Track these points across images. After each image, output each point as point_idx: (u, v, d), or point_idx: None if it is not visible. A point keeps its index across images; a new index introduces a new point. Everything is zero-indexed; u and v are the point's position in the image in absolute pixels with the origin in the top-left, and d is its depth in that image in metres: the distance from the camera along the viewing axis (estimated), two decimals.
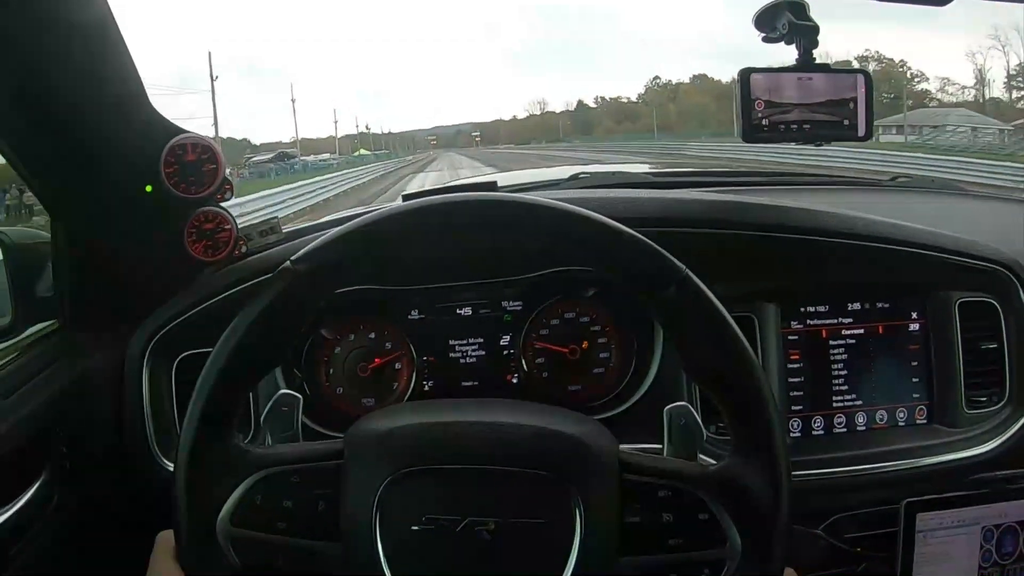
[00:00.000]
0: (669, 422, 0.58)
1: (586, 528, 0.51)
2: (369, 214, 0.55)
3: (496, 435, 0.54)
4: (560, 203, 0.54)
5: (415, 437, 0.55)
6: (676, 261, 0.52)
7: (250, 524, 0.54)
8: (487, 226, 0.55)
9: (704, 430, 0.59)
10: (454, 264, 0.89)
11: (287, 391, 0.62)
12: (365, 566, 0.52)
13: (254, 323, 0.53)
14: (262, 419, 0.61)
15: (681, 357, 0.55)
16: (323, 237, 0.54)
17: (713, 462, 0.55)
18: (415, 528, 0.52)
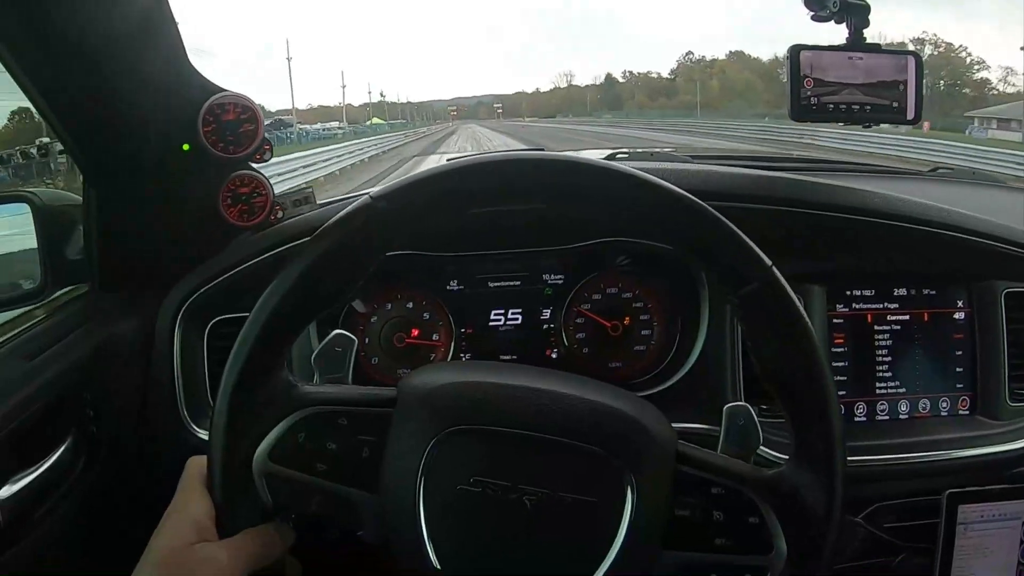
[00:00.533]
0: (727, 420, 0.57)
1: (636, 514, 0.49)
2: (453, 162, 0.53)
3: (556, 404, 0.52)
4: (665, 183, 0.52)
5: (472, 395, 0.53)
6: (763, 256, 0.51)
7: (289, 462, 0.52)
8: (576, 192, 0.53)
9: (762, 435, 0.56)
10: (492, 233, 0.88)
11: (342, 332, 0.60)
12: (401, 520, 0.50)
13: (326, 252, 0.51)
14: (313, 358, 0.59)
15: (754, 355, 0.53)
16: (408, 176, 0.52)
17: (773, 461, 0.54)
18: (460, 488, 0.50)
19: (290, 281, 0.51)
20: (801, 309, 0.51)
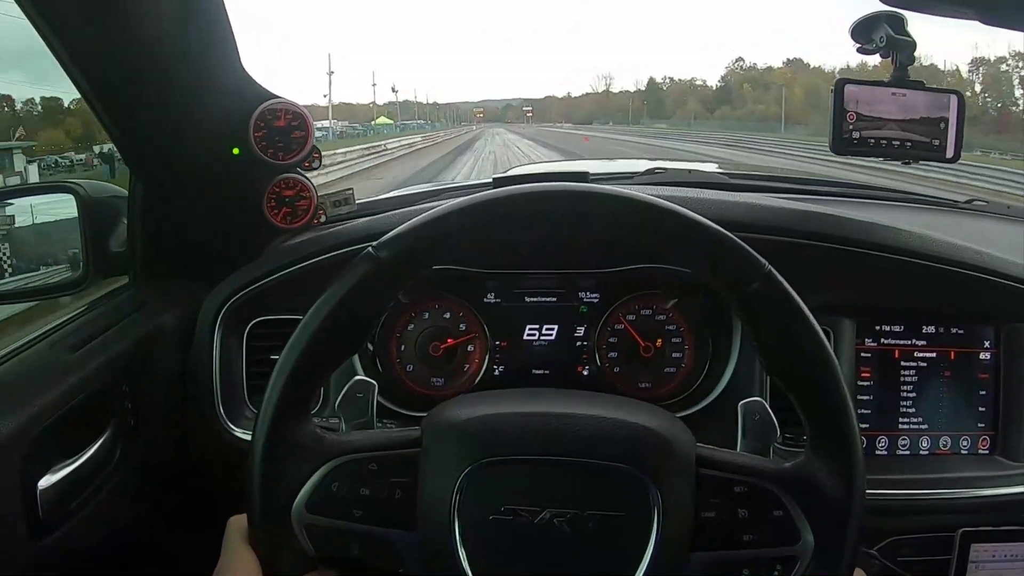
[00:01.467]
0: (744, 417, 0.58)
1: (663, 523, 0.51)
2: (455, 201, 0.54)
3: (576, 427, 0.53)
4: (647, 196, 0.53)
5: (495, 427, 0.54)
6: (760, 257, 0.52)
7: (325, 511, 0.53)
8: (572, 217, 0.54)
9: (778, 427, 0.58)
10: (533, 251, 0.89)
11: (362, 378, 0.62)
12: (442, 555, 0.52)
13: (335, 308, 0.52)
14: (337, 405, 0.61)
15: (760, 355, 0.55)
16: (407, 224, 0.53)
17: (785, 460, 0.55)
18: (493, 518, 0.52)
19: (304, 340, 0.52)
20: (802, 303, 0.52)
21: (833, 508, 0.51)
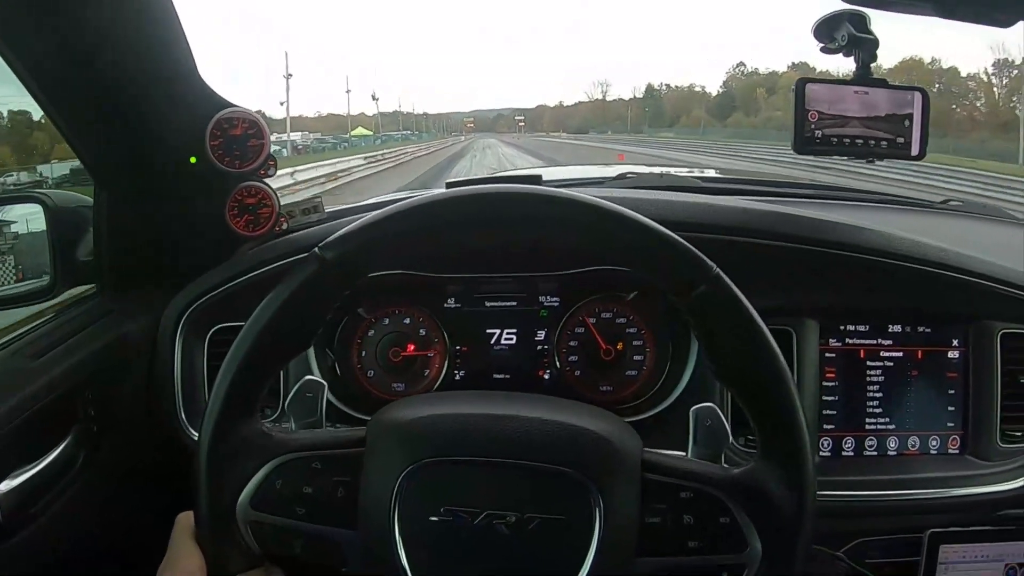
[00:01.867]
0: (695, 422, 0.58)
1: (605, 526, 0.51)
2: (400, 202, 0.54)
3: (518, 429, 0.54)
4: (590, 197, 0.53)
5: (435, 428, 0.54)
6: (707, 260, 0.52)
7: (269, 508, 0.54)
8: (514, 220, 0.54)
9: (729, 433, 0.58)
10: (492, 255, 0.89)
11: (312, 378, 0.62)
12: (383, 555, 0.52)
13: (280, 308, 0.53)
14: (286, 404, 0.61)
15: (708, 358, 0.54)
16: (352, 224, 0.54)
17: (734, 467, 0.55)
18: (433, 519, 0.52)
19: (250, 339, 0.53)
20: (750, 307, 0.51)
21: (781, 516, 0.51)
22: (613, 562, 0.51)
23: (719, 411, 0.58)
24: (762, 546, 0.51)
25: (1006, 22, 0.80)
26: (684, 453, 0.58)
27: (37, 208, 0.86)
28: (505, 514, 0.51)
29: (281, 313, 0.53)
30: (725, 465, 0.56)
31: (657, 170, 1.26)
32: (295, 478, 0.54)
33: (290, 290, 0.53)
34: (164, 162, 0.83)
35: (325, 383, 0.62)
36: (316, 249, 0.53)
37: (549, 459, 0.52)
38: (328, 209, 0.98)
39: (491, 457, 0.53)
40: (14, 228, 0.92)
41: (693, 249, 0.52)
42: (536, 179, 0.92)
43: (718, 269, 0.52)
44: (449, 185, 0.75)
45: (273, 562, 0.57)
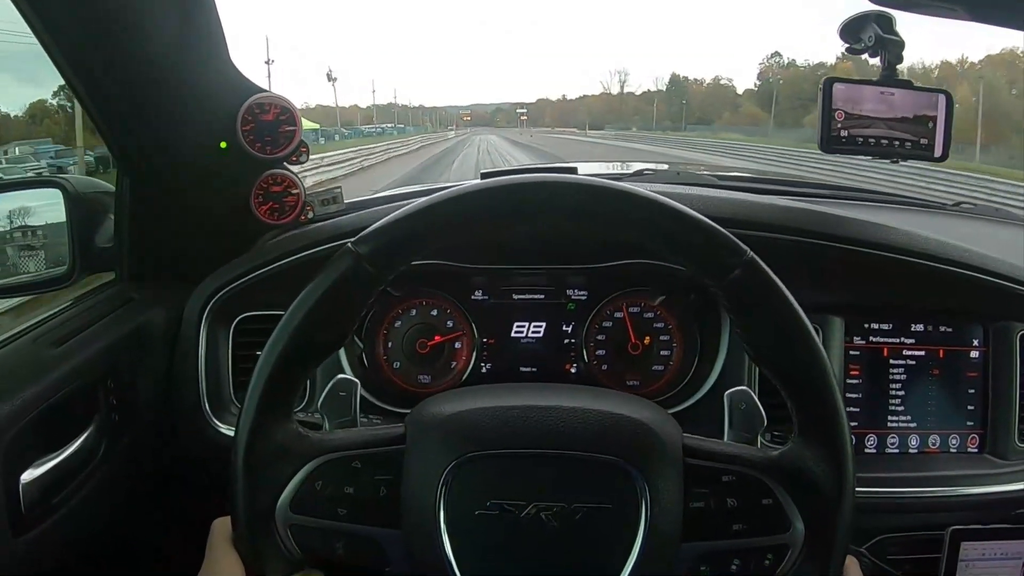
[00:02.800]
0: (730, 406, 0.58)
1: (651, 514, 0.51)
2: (434, 194, 0.53)
3: (561, 419, 0.53)
4: (622, 184, 0.53)
5: (479, 421, 0.54)
6: (741, 244, 0.52)
7: (310, 511, 0.53)
8: (553, 208, 0.53)
9: (764, 417, 0.58)
10: (521, 247, 0.89)
11: (345, 376, 0.61)
12: (428, 553, 0.51)
13: (315, 306, 0.52)
14: (319, 403, 0.60)
15: (745, 343, 0.54)
16: (386, 218, 0.53)
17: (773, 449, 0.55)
18: (479, 513, 0.51)
19: (285, 338, 0.52)
20: (785, 289, 0.51)
21: (823, 495, 0.51)
22: (659, 549, 0.51)
23: (753, 394, 0.58)
24: (805, 526, 0.51)
25: None
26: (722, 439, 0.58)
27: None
28: (552, 505, 0.51)
29: (315, 310, 0.52)
30: (766, 445, 0.57)
31: (674, 168, 1.27)
32: (336, 479, 0.53)
33: (324, 286, 0.52)
34: (192, 147, 0.82)
35: (358, 381, 0.61)
36: (349, 244, 0.52)
37: (594, 449, 0.52)
38: (347, 200, 0.97)
39: (535, 449, 0.52)
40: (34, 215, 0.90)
41: (727, 233, 0.52)
42: (572, 171, 0.92)
43: (752, 253, 0.52)
44: (484, 176, 0.74)
45: (314, 565, 0.56)
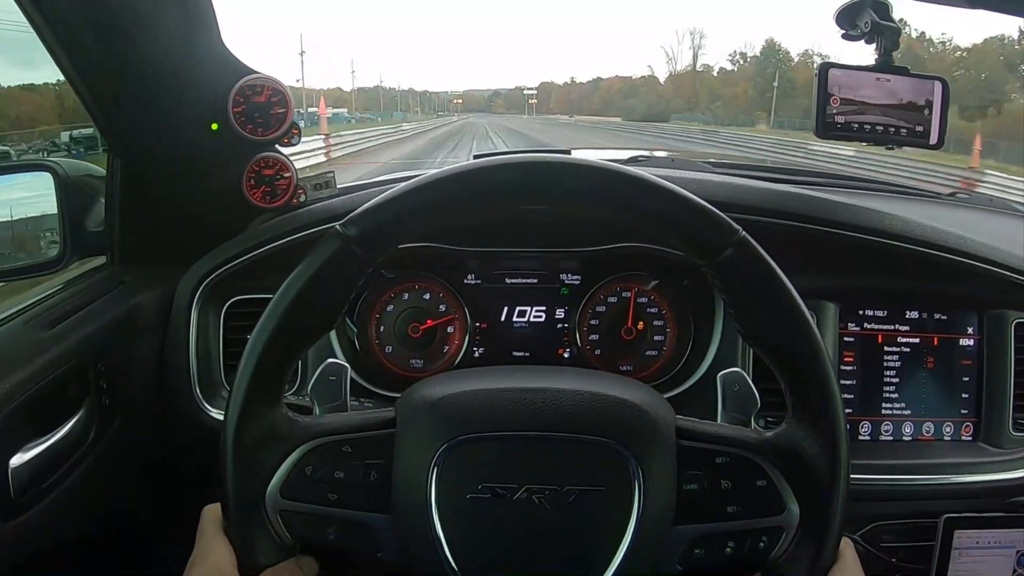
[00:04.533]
0: (723, 388, 0.58)
1: (645, 496, 0.50)
2: (423, 175, 0.53)
3: (552, 401, 0.53)
4: (613, 164, 0.52)
5: (469, 404, 0.53)
6: (733, 223, 0.51)
7: (300, 496, 0.53)
8: (542, 189, 0.53)
9: (758, 398, 0.58)
10: (515, 231, 0.88)
11: (335, 360, 0.61)
12: (419, 537, 0.51)
13: (303, 288, 0.51)
14: (309, 388, 0.60)
15: (737, 322, 0.53)
16: (374, 200, 0.52)
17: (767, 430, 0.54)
18: (470, 496, 0.51)
19: (274, 321, 0.51)
20: (778, 269, 0.51)
21: (817, 476, 0.50)
22: (653, 531, 0.51)
23: (746, 375, 0.58)
24: (800, 508, 0.51)
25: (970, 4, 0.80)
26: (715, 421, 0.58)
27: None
28: (544, 488, 0.51)
29: (304, 293, 0.51)
30: (758, 429, 0.56)
31: (668, 154, 1.26)
32: (326, 463, 0.53)
33: (312, 269, 0.51)
34: (184, 129, 0.81)
35: (348, 365, 0.61)
36: (337, 225, 0.52)
37: (586, 430, 0.52)
38: (339, 185, 0.96)
39: (527, 431, 0.52)
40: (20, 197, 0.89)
41: (719, 213, 0.51)
42: (565, 153, 0.91)
43: (744, 232, 0.51)
44: (476, 158, 0.74)
45: (305, 551, 0.55)
